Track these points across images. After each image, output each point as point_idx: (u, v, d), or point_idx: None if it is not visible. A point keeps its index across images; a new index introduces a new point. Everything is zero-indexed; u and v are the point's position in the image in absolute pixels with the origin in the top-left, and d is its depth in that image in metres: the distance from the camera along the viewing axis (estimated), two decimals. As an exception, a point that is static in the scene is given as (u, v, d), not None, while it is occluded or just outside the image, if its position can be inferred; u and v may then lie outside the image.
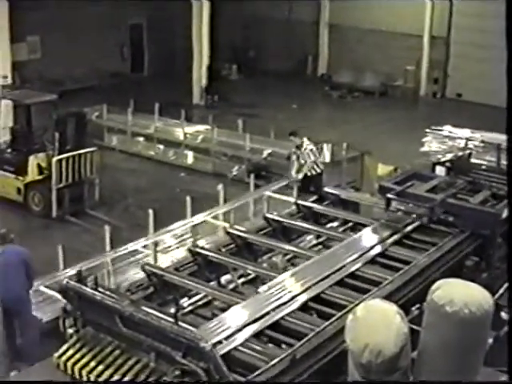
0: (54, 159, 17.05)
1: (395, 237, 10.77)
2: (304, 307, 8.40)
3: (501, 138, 16.57)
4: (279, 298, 8.37)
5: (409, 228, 11.02)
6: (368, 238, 10.72)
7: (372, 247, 10.37)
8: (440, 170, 13.80)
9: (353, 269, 9.48)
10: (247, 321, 7.84)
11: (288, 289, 8.72)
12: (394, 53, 31.98)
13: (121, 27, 33.47)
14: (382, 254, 10.14)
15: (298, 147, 16.72)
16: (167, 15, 33.47)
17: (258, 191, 15.50)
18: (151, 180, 20.22)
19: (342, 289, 8.91)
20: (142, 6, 33.04)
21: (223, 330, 7.60)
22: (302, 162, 16.53)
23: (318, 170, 16.54)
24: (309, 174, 16.28)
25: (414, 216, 11.25)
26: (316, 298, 8.60)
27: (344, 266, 9.51)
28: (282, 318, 8.04)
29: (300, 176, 16.24)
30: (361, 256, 9.94)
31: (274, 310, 8.12)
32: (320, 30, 36.05)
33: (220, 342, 7.36)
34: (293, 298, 8.45)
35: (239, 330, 7.66)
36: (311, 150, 16.55)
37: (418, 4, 31.38)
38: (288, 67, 34.99)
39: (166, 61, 33.49)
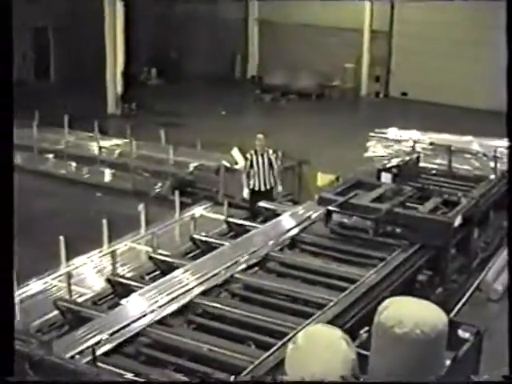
0: None
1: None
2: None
3: (451, 139, 16.82)
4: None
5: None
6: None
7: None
8: (386, 177, 13.89)
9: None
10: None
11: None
12: (331, 50, 32.19)
13: (23, 31, 33.05)
14: (323, 274, 10.15)
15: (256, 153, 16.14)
16: (77, 15, 33.12)
17: (185, 212, 15.35)
18: (63, 202, 19.86)
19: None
20: (48, 8, 32.74)
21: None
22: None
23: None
24: (263, 188, 15.76)
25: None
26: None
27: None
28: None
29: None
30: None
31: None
32: (249, 27, 36.15)
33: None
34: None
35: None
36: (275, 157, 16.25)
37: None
38: (214, 69, 35.01)
39: (76, 66, 33.09)
